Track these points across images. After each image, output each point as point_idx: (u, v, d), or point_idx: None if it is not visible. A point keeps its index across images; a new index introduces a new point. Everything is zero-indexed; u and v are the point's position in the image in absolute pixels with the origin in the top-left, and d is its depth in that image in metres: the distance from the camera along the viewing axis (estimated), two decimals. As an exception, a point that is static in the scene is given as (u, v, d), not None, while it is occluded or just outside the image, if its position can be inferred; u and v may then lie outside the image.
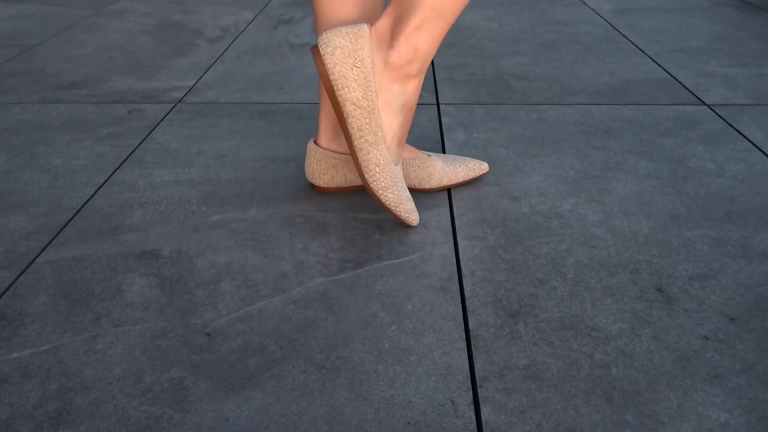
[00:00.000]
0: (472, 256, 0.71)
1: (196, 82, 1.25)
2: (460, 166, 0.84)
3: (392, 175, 0.70)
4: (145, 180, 0.88)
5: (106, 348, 0.58)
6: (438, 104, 1.13)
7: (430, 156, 0.82)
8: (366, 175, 0.69)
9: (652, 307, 0.63)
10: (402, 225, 0.76)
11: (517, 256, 0.70)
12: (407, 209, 0.73)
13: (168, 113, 1.10)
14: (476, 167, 0.85)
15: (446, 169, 0.83)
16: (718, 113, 1.08)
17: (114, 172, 0.90)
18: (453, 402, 0.52)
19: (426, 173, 0.81)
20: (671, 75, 1.26)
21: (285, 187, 0.86)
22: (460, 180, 0.84)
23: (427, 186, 0.82)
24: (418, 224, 0.76)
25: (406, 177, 0.81)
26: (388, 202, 0.71)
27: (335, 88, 0.66)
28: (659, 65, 1.32)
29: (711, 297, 0.64)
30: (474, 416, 0.51)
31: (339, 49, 0.65)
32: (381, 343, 0.59)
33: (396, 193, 0.71)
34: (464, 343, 0.58)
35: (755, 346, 0.58)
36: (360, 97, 0.66)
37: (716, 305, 0.63)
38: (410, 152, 0.81)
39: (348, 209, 0.80)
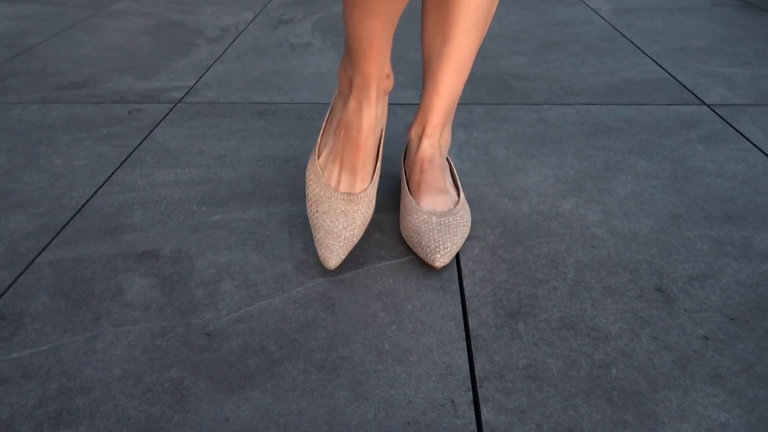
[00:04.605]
0: (472, 256, 0.71)
1: (196, 82, 1.25)
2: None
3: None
4: (145, 180, 0.88)
5: (106, 348, 0.58)
6: (438, 104, 1.13)
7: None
8: None
9: (652, 307, 0.63)
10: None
11: (517, 256, 0.70)
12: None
13: (168, 113, 1.10)
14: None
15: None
16: (718, 113, 1.07)
17: (114, 172, 0.90)
18: (453, 402, 0.52)
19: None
20: (671, 75, 1.26)
21: (285, 187, 0.86)
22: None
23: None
24: None
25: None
26: None
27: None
28: (659, 65, 1.32)
29: (711, 297, 0.64)
30: (474, 416, 0.51)
31: None
32: (381, 343, 0.58)
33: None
34: (464, 343, 0.58)
35: (755, 346, 0.58)
36: None
37: (716, 305, 0.63)
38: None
39: (348, 209, 0.80)
